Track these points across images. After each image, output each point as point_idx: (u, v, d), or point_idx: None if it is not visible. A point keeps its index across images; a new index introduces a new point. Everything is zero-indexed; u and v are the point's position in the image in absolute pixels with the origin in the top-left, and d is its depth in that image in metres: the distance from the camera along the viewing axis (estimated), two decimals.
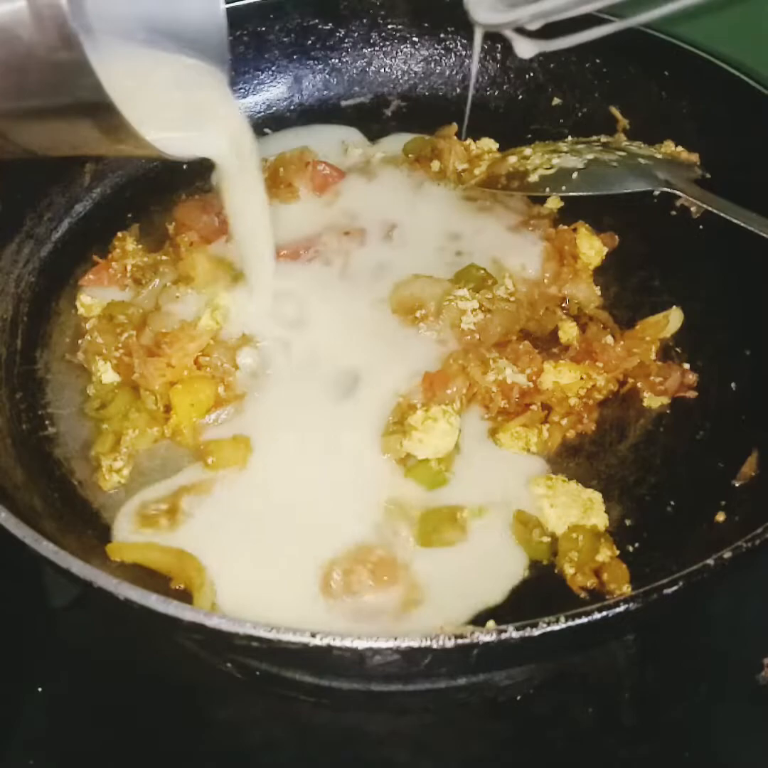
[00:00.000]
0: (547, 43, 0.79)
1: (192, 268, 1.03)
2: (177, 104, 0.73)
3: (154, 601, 0.69)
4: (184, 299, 1.02)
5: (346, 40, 1.32)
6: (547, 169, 1.09)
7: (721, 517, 0.88)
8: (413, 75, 1.33)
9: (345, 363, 0.99)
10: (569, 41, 0.79)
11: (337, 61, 1.32)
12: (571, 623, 0.67)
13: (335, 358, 1.00)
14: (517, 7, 0.78)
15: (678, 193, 1.06)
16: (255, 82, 1.31)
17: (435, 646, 0.66)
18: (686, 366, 1.01)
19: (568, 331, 1.02)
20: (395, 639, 0.66)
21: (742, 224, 0.97)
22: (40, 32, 0.60)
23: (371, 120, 1.29)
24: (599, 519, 0.88)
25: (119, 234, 1.10)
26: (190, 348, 0.96)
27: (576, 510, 0.88)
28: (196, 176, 1.17)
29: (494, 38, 1.28)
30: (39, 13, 0.60)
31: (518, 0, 0.78)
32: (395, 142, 1.24)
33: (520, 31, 0.81)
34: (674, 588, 0.70)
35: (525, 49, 0.87)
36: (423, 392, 0.94)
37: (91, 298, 1.05)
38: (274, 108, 1.32)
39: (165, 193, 1.17)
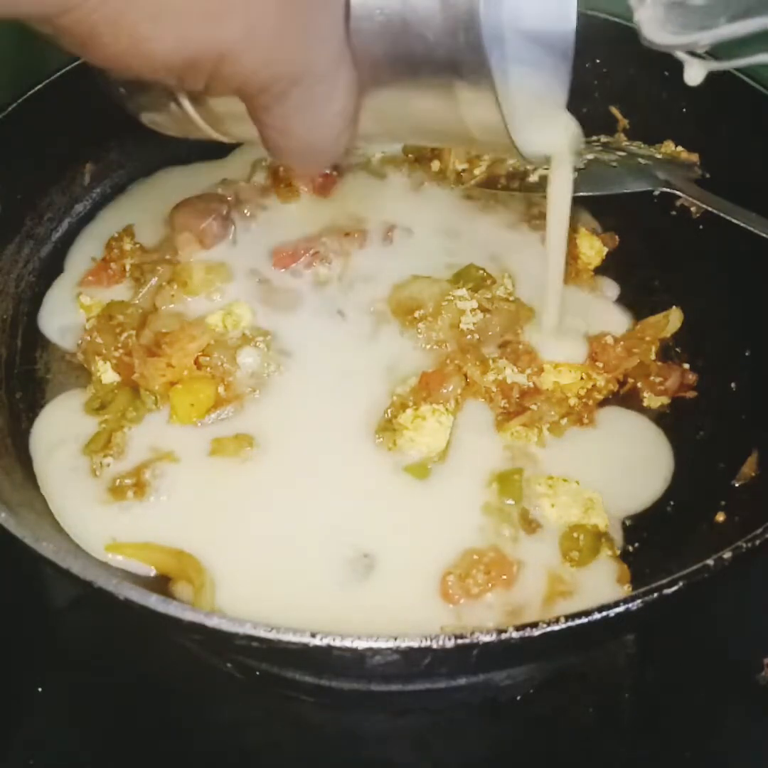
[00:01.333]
0: (718, 63, 0.79)
1: (189, 276, 1.03)
2: (523, 109, 0.76)
3: (154, 601, 0.69)
4: (182, 299, 1.03)
5: None
6: (546, 169, 1.09)
7: (721, 517, 0.88)
8: None
9: (345, 363, 0.99)
10: (742, 62, 0.78)
11: None
12: (571, 623, 0.67)
13: (335, 358, 1.00)
14: (689, 29, 0.78)
15: (678, 193, 1.06)
16: None
17: (435, 646, 0.66)
18: (686, 366, 1.01)
19: None
20: (395, 639, 0.66)
21: (742, 224, 0.97)
22: (446, 19, 0.59)
23: None
24: (600, 519, 0.88)
25: (115, 234, 1.10)
26: (190, 348, 0.96)
27: (576, 510, 0.88)
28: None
29: None
30: (452, 20, 0.59)
31: (689, 22, 0.77)
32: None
33: (691, 53, 0.81)
34: (674, 588, 0.70)
35: (695, 74, 0.87)
36: (418, 391, 0.94)
37: (91, 298, 1.05)
38: None
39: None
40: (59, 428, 0.96)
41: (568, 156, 0.87)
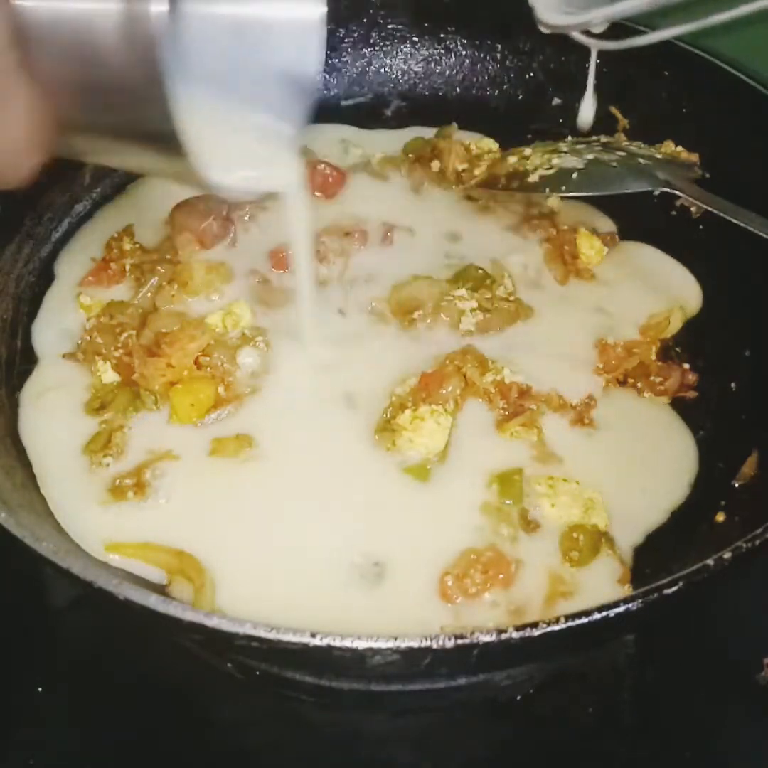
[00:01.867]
0: (613, 43, 0.78)
1: (189, 276, 1.03)
2: (242, 146, 0.74)
3: (154, 601, 0.69)
4: (182, 299, 1.03)
5: (346, 40, 1.32)
6: (547, 169, 1.09)
7: (721, 517, 0.88)
8: (413, 75, 1.33)
9: (345, 362, 0.99)
10: (633, 42, 0.77)
11: (337, 61, 1.32)
12: (571, 623, 0.67)
13: (335, 358, 1.00)
14: (581, 9, 0.77)
15: (678, 193, 1.06)
16: None
17: (435, 646, 0.66)
18: (686, 366, 1.01)
19: None
20: (395, 639, 0.66)
21: (742, 224, 0.97)
22: (127, 49, 0.55)
23: (371, 120, 1.29)
24: (600, 519, 0.88)
25: (115, 234, 1.10)
26: (190, 348, 0.96)
27: (577, 510, 0.88)
28: None
29: (495, 39, 1.29)
30: (130, 32, 0.54)
31: (581, 2, 0.77)
32: (394, 139, 1.24)
33: (586, 33, 0.80)
34: (674, 588, 0.70)
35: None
36: (418, 392, 0.94)
37: (91, 298, 1.05)
38: None
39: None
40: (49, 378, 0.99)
41: (298, 191, 0.84)
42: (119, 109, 0.59)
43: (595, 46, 0.81)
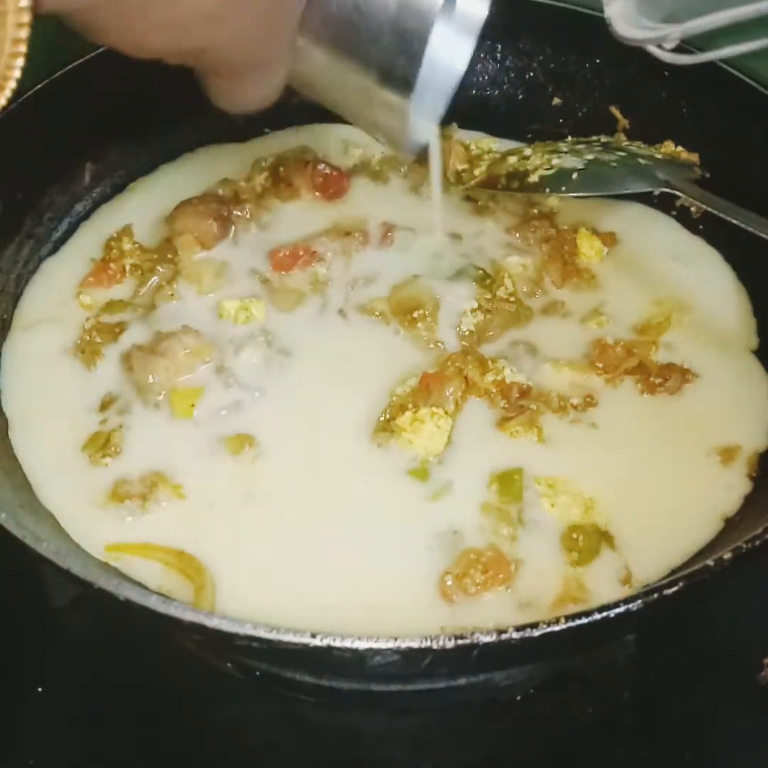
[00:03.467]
0: (690, 57, 0.81)
1: (198, 279, 1.03)
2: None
3: (154, 601, 0.69)
4: (183, 298, 1.03)
5: None
6: (547, 169, 1.09)
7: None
8: None
9: (345, 363, 0.99)
10: (710, 55, 0.80)
11: None
12: (571, 624, 0.67)
13: (335, 358, 1.00)
14: (656, 24, 0.79)
15: (678, 193, 1.06)
16: None
17: (435, 646, 0.66)
18: (686, 366, 1.01)
19: None
20: (395, 639, 0.66)
21: (742, 225, 0.96)
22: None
23: None
24: (600, 518, 0.88)
25: (114, 234, 1.10)
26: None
27: (577, 509, 0.88)
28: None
29: (494, 38, 1.29)
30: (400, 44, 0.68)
31: (660, 16, 0.79)
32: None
33: (661, 47, 0.83)
34: (674, 588, 0.70)
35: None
36: (418, 393, 0.94)
37: (91, 298, 1.05)
38: (275, 107, 1.31)
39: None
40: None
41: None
42: (368, 62, 0.71)
43: (668, 59, 0.83)
